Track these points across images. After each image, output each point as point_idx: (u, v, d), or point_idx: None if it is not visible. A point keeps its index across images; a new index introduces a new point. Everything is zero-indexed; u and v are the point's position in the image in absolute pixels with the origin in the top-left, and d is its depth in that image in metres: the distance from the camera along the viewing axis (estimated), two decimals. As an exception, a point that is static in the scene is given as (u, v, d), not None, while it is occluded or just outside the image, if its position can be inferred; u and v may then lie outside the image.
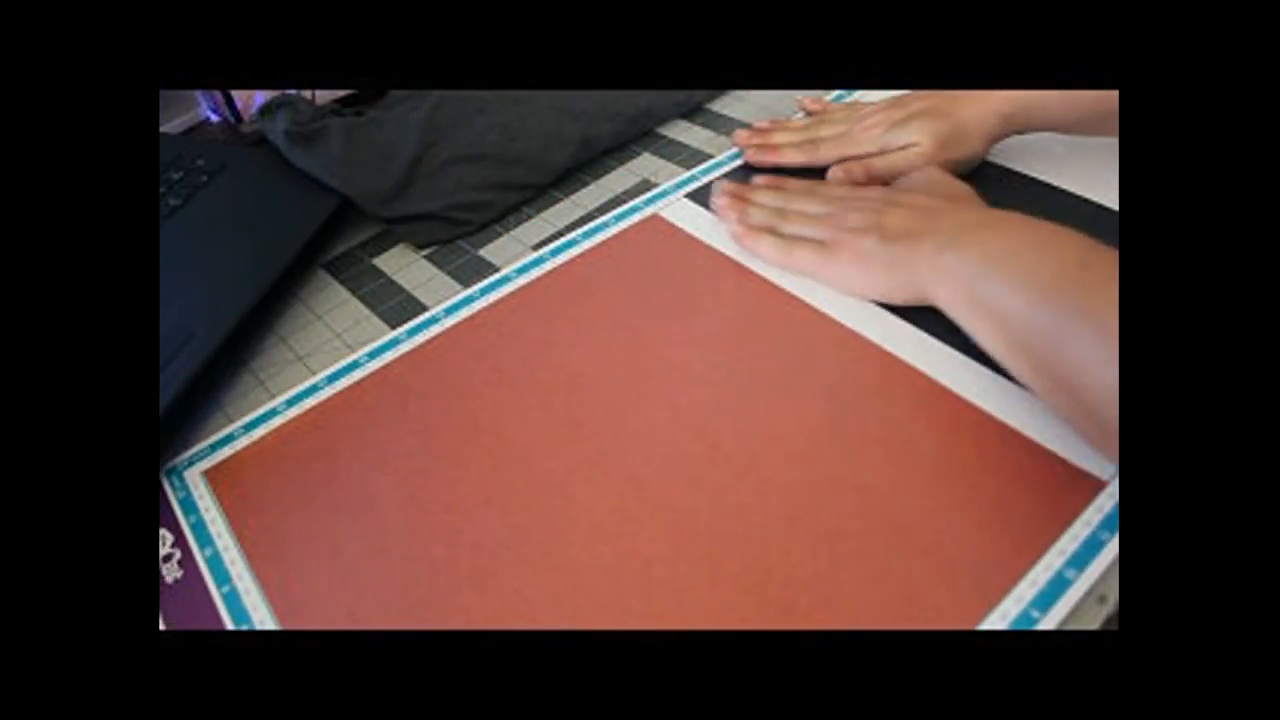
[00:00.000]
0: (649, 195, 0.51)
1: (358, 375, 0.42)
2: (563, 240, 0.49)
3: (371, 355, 0.43)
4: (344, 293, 0.48)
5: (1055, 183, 0.48)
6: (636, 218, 0.50)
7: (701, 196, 0.51)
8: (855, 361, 0.40)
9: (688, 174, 0.53)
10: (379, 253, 0.50)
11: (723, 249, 0.47)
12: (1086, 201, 0.46)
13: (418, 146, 0.53)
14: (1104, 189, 0.47)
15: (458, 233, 0.50)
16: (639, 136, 0.57)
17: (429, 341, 0.44)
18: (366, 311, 0.46)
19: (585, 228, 0.50)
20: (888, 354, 0.40)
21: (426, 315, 0.45)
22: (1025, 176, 0.49)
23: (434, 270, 0.48)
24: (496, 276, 0.47)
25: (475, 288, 0.46)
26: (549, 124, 0.55)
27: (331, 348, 0.44)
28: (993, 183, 0.48)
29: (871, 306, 0.42)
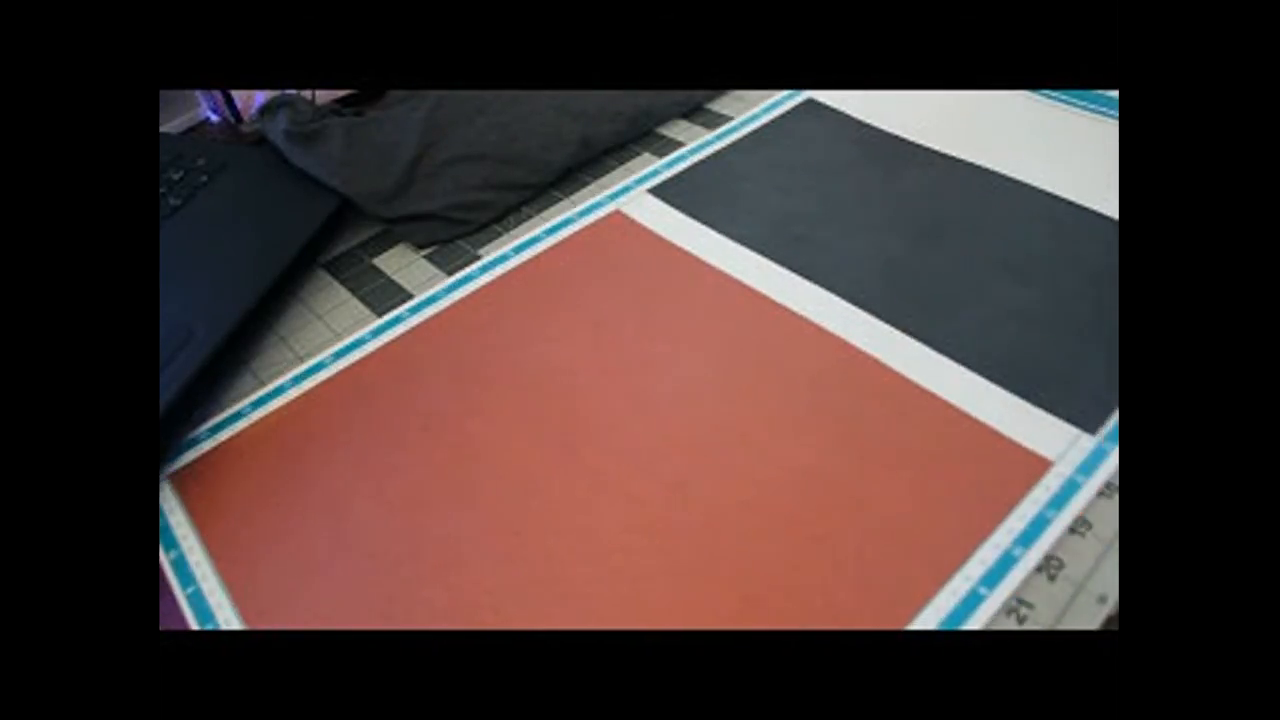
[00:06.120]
0: (612, 190, 0.51)
1: (323, 376, 0.42)
2: (525, 238, 0.49)
3: (337, 356, 0.43)
4: (344, 293, 0.48)
5: (1047, 188, 0.48)
6: (600, 213, 0.50)
7: (663, 191, 0.51)
8: (809, 349, 0.40)
9: (649, 169, 0.53)
10: (379, 253, 0.50)
11: (681, 244, 0.47)
12: (1079, 207, 0.46)
13: (418, 146, 0.53)
14: (1098, 196, 0.47)
15: (458, 233, 0.50)
16: (639, 136, 0.57)
17: (394, 341, 0.44)
18: (366, 311, 0.46)
19: (548, 224, 0.50)
20: (840, 340, 0.41)
21: (390, 315, 0.45)
22: (1014, 180, 0.49)
23: (434, 270, 0.48)
24: (460, 275, 0.47)
25: (439, 287, 0.47)
26: (549, 124, 0.55)
27: (331, 348, 0.44)
28: (982, 189, 0.49)
29: (824, 294, 0.43)
